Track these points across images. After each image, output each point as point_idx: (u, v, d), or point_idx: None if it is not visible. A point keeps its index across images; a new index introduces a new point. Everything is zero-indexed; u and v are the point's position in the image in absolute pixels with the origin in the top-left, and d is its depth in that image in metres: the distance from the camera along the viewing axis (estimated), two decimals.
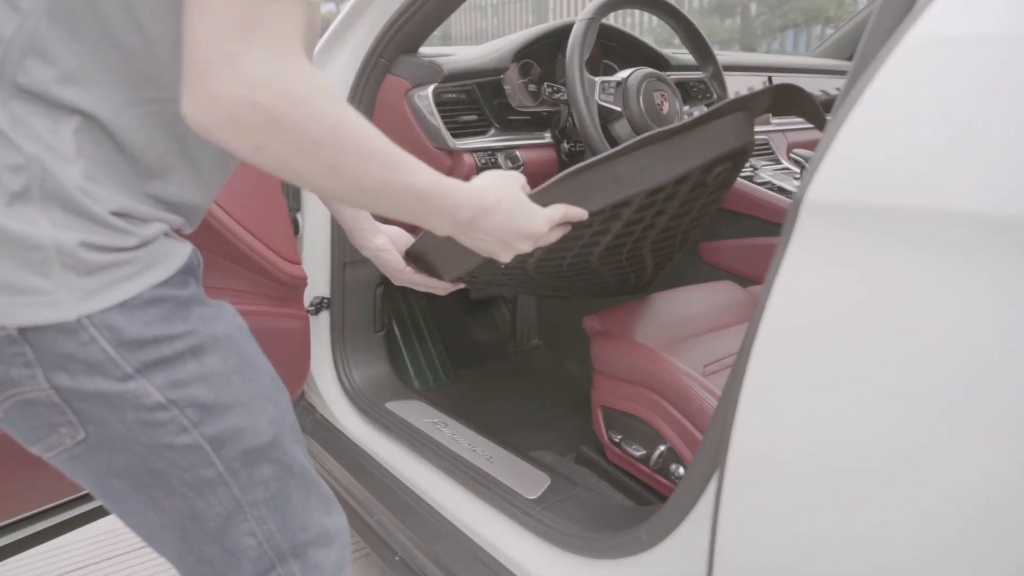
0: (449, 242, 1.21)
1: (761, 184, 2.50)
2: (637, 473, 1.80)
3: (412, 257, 1.48)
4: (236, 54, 0.80)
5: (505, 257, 1.18)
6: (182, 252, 0.98)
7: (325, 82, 0.87)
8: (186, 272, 0.98)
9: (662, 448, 1.69)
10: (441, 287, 1.49)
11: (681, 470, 1.66)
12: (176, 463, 0.98)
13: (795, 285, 0.98)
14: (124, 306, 0.91)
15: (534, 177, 2.20)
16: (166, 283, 0.95)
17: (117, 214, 0.92)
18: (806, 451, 1.00)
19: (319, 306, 2.38)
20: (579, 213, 1.28)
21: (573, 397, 2.76)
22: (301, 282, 1.93)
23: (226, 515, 1.03)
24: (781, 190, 2.46)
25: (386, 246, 1.48)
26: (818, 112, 1.67)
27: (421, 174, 0.99)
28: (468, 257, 1.39)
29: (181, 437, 0.97)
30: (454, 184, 1.06)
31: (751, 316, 1.28)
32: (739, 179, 2.49)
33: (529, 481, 1.83)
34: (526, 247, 1.18)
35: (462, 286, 1.57)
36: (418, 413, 2.28)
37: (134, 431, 0.95)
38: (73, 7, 0.88)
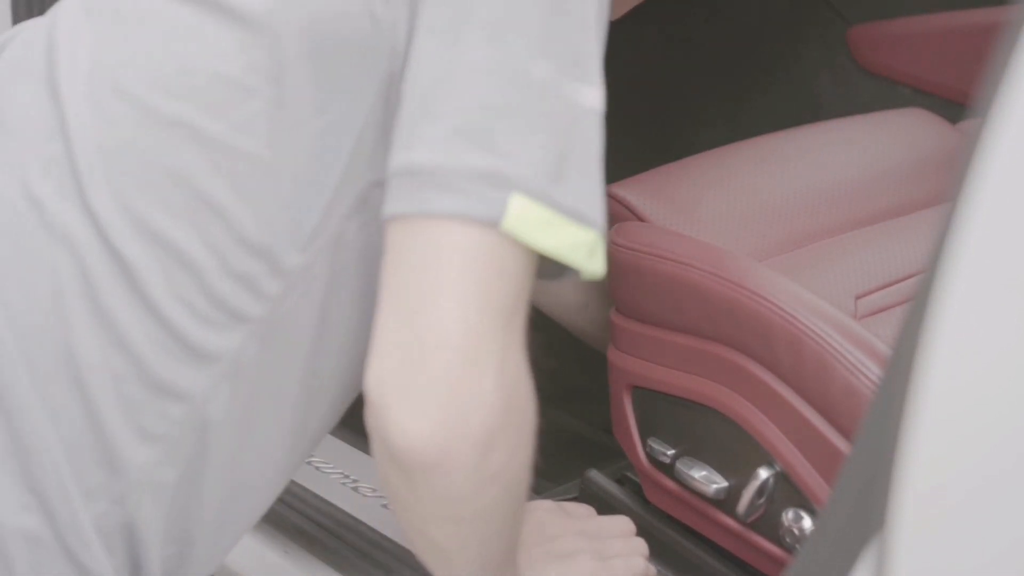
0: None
1: None
2: (709, 530, 1.33)
3: None
4: (504, 348, 0.81)
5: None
6: None
7: None
8: None
9: (765, 475, 1.25)
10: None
11: (806, 521, 1.23)
12: None
13: None
14: None
15: None
16: None
17: None
18: None
19: None
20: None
21: (572, 357, 2.06)
22: None
23: None
24: None
25: None
26: None
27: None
28: None
29: None
30: None
31: (964, 190, 0.81)
32: None
33: None
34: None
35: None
36: None
37: None
38: None
